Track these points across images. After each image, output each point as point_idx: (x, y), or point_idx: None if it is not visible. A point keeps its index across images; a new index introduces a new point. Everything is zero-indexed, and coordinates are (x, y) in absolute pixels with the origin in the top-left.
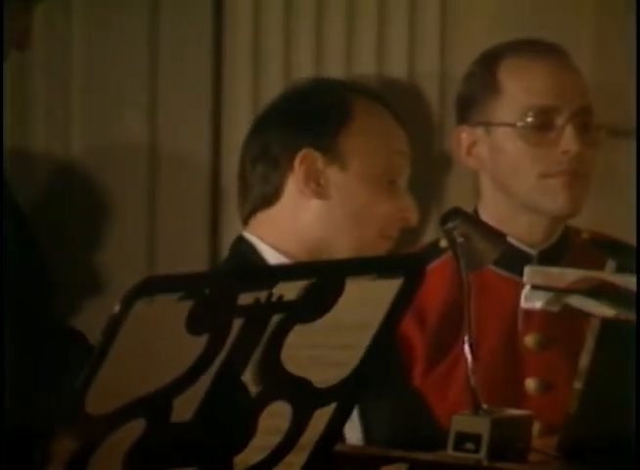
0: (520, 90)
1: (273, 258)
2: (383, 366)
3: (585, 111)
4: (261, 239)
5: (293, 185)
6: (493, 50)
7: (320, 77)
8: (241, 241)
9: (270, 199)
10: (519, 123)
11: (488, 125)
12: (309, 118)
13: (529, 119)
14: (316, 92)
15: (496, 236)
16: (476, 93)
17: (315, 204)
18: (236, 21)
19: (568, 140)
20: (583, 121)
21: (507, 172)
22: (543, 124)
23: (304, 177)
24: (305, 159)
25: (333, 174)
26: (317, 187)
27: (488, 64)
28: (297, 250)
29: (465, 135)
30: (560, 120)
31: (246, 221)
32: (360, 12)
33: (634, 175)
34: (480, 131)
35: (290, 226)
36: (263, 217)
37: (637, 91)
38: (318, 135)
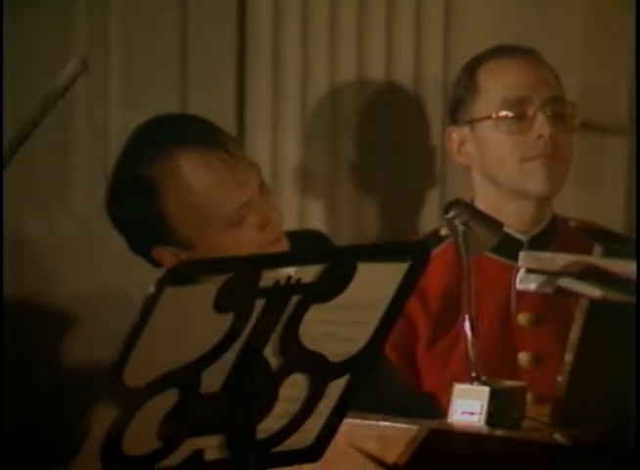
0: (495, 87)
1: None
2: None
3: (557, 99)
4: None
5: None
6: (474, 58)
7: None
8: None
9: None
10: (495, 115)
11: (472, 122)
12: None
13: (505, 111)
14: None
15: (494, 224)
16: (461, 96)
17: None
18: (257, 29)
19: (540, 125)
20: (555, 109)
21: (492, 163)
22: (518, 114)
23: None
24: (158, 255)
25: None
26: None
27: (470, 70)
28: None
29: (455, 135)
30: (532, 109)
31: None
32: (370, 14)
33: (627, 170)
34: (466, 130)
35: None
36: None
37: (637, 90)
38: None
